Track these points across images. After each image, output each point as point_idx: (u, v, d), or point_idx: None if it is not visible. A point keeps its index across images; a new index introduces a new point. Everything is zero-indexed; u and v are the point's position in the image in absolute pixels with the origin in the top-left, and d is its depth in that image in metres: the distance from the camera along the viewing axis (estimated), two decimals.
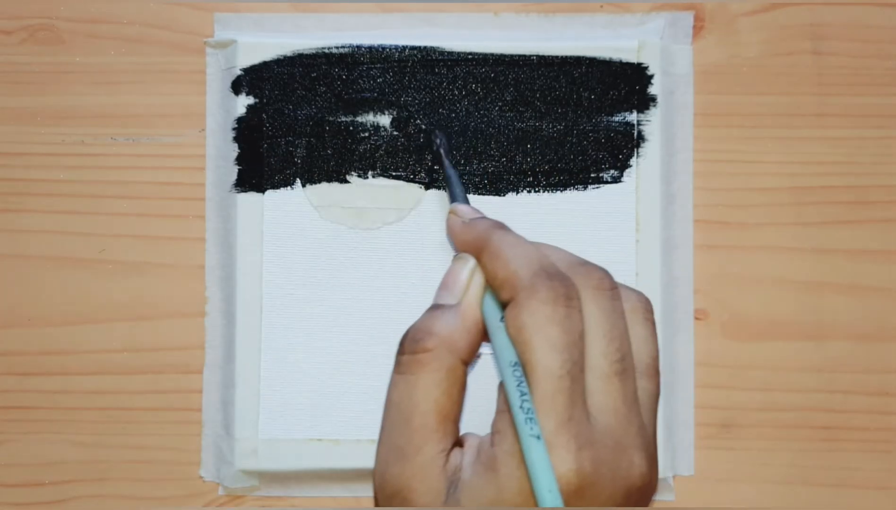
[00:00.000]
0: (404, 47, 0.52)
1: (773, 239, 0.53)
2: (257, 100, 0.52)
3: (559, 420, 0.29)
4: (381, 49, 0.52)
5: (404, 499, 0.31)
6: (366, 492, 0.53)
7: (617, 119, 0.52)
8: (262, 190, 0.52)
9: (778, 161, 0.54)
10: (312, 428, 0.52)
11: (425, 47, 0.52)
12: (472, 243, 0.34)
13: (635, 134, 0.52)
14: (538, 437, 0.29)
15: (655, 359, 0.32)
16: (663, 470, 0.52)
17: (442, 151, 0.51)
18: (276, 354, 0.52)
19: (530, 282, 0.31)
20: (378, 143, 0.52)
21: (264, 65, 0.52)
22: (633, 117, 0.52)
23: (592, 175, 0.52)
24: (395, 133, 0.52)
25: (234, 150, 0.52)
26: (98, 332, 0.53)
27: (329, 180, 0.52)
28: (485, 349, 0.52)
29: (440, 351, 0.32)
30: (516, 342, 0.30)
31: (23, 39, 0.54)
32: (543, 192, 0.52)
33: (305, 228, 0.52)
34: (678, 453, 0.53)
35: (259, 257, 0.52)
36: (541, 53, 0.52)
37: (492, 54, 0.52)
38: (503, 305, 0.31)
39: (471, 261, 0.33)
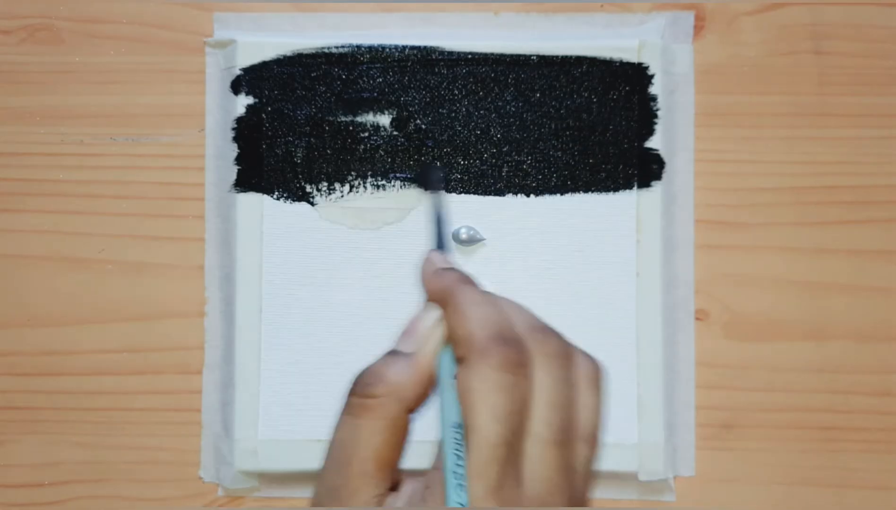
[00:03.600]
0: (404, 47, 0.52)
1: (773, 239, 0.53)
2: (257, 100, 0.52)
3: (489, 487, 0.30)
4: (381, 49, 0.52)
5: None
6: None
7: (617, 119, 0.52)
8: (261, 190, 0.52)
9: (778, 161, 0.53)
10: (312, 428, 0.52)
11: (425, 47, 0.52)
12: (438, 294, 0.34)
13: (635, 134, 0.52)
14: (463, 505, 0.30)
15: (599, 427, 0.33)
16: (664, 471, 0.52)
17: (433, 190, 0.50)
18: (276, 354, 0.52)
19: (484, 346, 0.31)
20: (378, 143, 0.52)
21: (264, 65, 0.52)
22: (633, 117, 0.52)
23: (593, 175, 0.52)
24: (395, 133, 0.52)
25: (233, 150, 0.52)
26: (98, 332, 0.53)
27: (329, 180, 0.52)
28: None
29: (388, 399, 0.32)
30: (462, 404, 0.31)
31: (22, 39, 0.54)
32: (544, 191, 0.52)
33: (305, 228, 0.52)
34: (679, 454, 0.53)
35: (259, 257, 0.52)
36: (541, 53, 0.52)
37: (492, 54, 0.52)
38: (458, 362, 0.32)
39: (435, 312, 0.33)
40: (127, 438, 0.53)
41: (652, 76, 0.52)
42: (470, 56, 0.52)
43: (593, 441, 0.33)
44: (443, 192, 0.51)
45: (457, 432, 0.31)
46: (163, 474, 0.53)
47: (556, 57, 0.52)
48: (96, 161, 0.54)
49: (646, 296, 0.52)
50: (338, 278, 0.52)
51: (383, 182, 0.52)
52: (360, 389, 0.33)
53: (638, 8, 0.53)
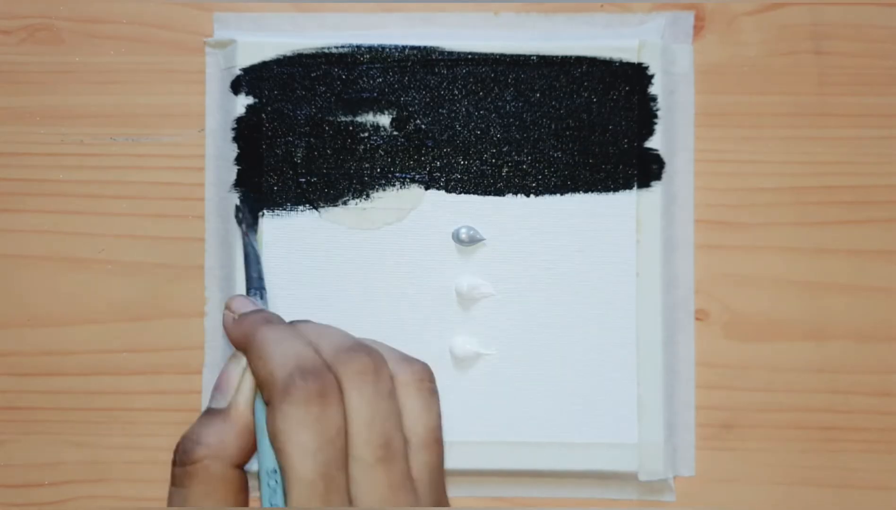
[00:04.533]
0: (404, 47, 0.52)
1: (773, 239, 0.53)
2: (257, 100, 0.52)
3: None
4: (381, 49, 0.52)
5: None
6: None
7: (617, 119, 0.52)
8: (261, 190, 0.52)
9: (778, 161, 0.53)
10: None
11: (425, 47, 0.52)
12: (241, 341, 0.33)
13: (635, 134, 0.52)
14: None
15: (434, 429, 0.33)
16: (664, 471, 0.52)
17: (244, 226, 0.50)
18: None
19: (284, 384, 0.31)
20: (378, 143, 0.52)
21: (264, 65, 0.52)
22: (633, 117, 0.52)
23: (593, 175, 0.52)
24: (395, 133, 0.52)
25: (233, 150, 0.52)
26: (98, 332, 0.53)
27: (329, 181, 0.52)
28: (470, 347, 0.52)
29: (209, 461, 0.32)
30: (274, 447, 0.30)
31: (22, 39, 0.54)
32: (544, 191, 0.52)
33: (305, 228, 0.52)
34: (679, 454, 0.53)
35: None
36: (541, 53, 0.52)
37: (492, 54, 0.52)
38: (267, 407, 0.31)
39: (242, 361, 0.33)
40: (127, 438, 0.53)
41: (652, 76, 0.52)
42: (470, 56, 0.52)
43: (431, 444, 0.32)
44: (254, 229, 0.51)
45: (271, 478, 0.31)
46: (163, 474, 0.53)
47: (556, 57, 0.52)
48: (96, 161, 0.54)
49: (646, 296, 0.52)
50: (338, 278, 0.52)
51: (383, 182, 0.52)
52: (180, 458, 0.32)
53: (638, 8, 0.53)
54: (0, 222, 0.53)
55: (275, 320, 0.34)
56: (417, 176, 0.52)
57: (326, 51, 0.52)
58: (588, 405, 0.52)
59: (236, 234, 0.52)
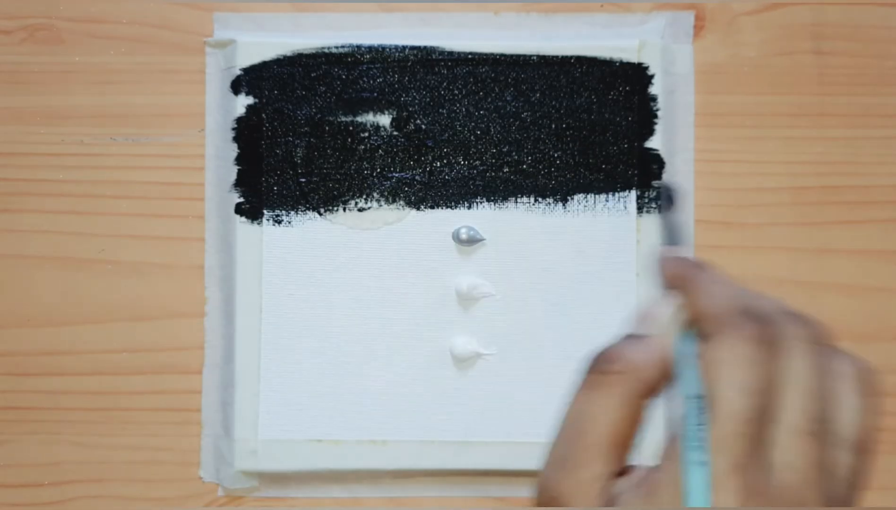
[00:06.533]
0: (404, 47, 0.52)
1: (774, 239, 0.53)
2: (257, 100, 0.52)
3: (733, 463, 0.28)
4: (381, 49, 0.52)
5: (559, 507, 0.31)
6: (366, 492, 0.53)
7: (617, 119, 0.52)
8: (260, 190, 0.52)
9: (779, 161, 0.53)
10: (312, 428, 0.52)
11: (425, 47, 0.52)
12: (678, 278, 0.33)
13: (635, 134, 0.52)
14: (702, 464, 0.28)
15: (867, 434, 0.31)
16: None
17: (672, 204, 0.50)
18: (276, 354, 0.52)
19: (733, 319, 0.30)
20: (378, 143, 0.52)
21: (264, 65, 0.52)
22: (633, 117, 0.52)
23: (593, 175, 0.52)
24: (395, 133, 0.52)
25: (233, 150, 0.52)
26: (98, 332, 0.53)
27: (329, 180, 0.52)
28: None
29: (628, 376, 0.32)
30: (706, 376, 0.30)
31: (23, 39, 0.54)
32: (544, 192, 0.52)
33: (306, 228, 0.52)
34: None
35: (259, 257, 0.52)
36: (541, 53, 0.52)
37: (492, 54, 0.52)
38: (701, 341, 0.31)
39: (673, 298, 0.33)
40: (127, 438, 0.53)
41: (652, 76, 0.52)
42: (470, 56, 0.52)
43: (861, 449, 0.30)
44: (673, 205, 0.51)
45: (698, 402, 0.29)
46: (163, 474, 0.53)
47: (556, 57, 0.52)
48: (96, 161, 0.54)
49: (646, 296, 0.52)
50: (338, 278, 0.52)
51: (383, 186, 0.52)
52: (599, 365, 0.32)
53: (638, 8, 0.53)
54: (0, 222, 0.53)
55: (712, 266, 0.34)
56: (417, 176, 0.52)
57: (326, 51, 0.52)
58: None
59: (236, 233, 0.52)
